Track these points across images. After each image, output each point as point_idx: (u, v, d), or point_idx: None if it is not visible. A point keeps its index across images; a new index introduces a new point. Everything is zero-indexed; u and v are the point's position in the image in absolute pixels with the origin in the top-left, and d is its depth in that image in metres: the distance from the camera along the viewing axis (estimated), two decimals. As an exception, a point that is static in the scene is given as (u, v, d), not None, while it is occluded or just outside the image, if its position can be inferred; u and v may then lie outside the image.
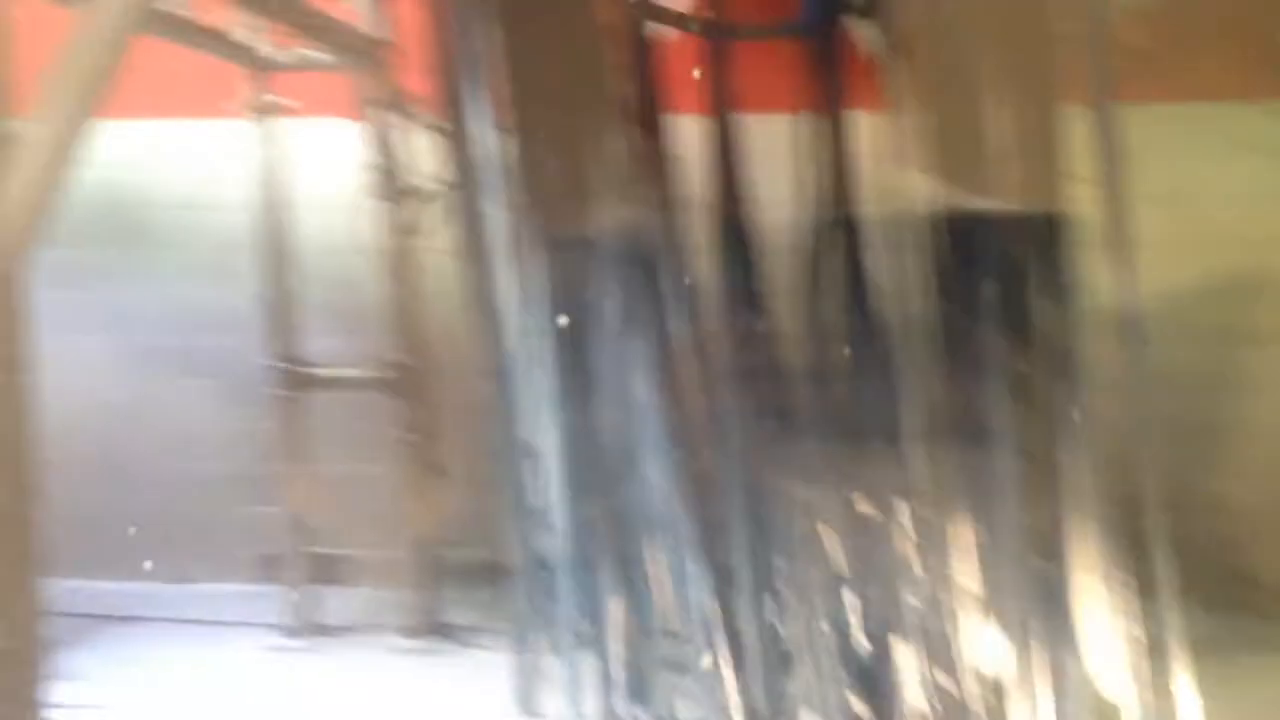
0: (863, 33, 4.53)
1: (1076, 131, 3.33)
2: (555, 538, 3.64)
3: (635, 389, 3.58)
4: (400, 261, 4.77)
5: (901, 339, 3.88)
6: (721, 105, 4.46)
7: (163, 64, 4.80)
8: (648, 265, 3.65)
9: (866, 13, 4.43)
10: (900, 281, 4.00)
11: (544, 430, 3.63)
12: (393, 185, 4.66)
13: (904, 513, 3.75)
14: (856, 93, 4.38)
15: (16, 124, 1.85)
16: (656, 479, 3.66)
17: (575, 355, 3.50)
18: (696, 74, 4.27)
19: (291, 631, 5.01)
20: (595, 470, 3.62)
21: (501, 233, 3.60)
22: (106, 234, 5.35)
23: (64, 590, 5.23)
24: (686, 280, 3.92)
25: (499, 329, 3.69)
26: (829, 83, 4.34)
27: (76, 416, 5.41)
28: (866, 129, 4.36)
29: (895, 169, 4.25)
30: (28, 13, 1.98)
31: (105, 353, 5.41)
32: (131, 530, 5.46)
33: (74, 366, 5.38)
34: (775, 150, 4.48)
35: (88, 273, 5.31)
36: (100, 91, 1.88)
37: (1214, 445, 5.00)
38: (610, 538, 3.58)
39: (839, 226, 4.41)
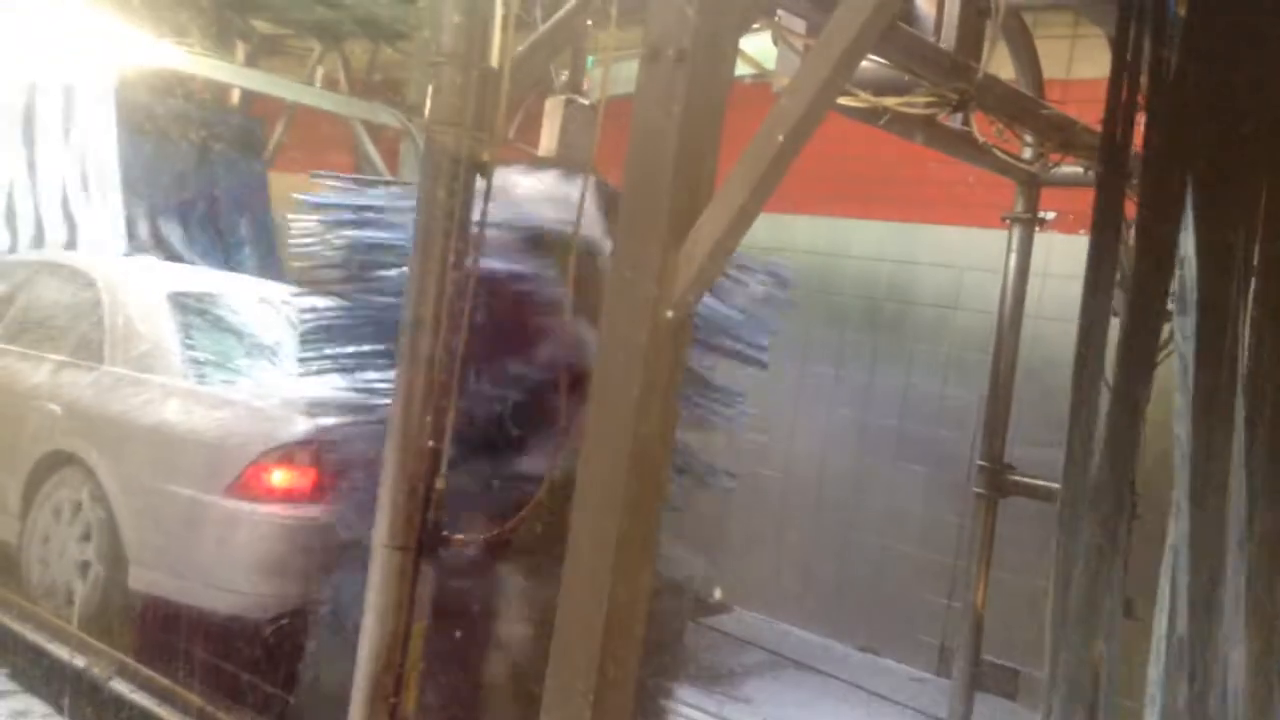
0: None
1: None
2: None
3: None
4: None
5: None
6: None
7: (935, 174, 5.28)
8: None
9: None
10: None
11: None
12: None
13: None
14: None
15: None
16: None
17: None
18: None
19: (947, 729, 5.03)
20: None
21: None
22: (868, 321, 5.98)
23: (758, 624, 5.98)
24: None
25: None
26: None
27: (807, 476, 6.12)
28: None
29: None
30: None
31: (842, 425, 6.00)
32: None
33: (816, 432, 6.10)
34: None
35: (845, 353, 5.99)
36: (776, 177, 2.23)
37: None
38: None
39: None
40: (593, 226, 3.80)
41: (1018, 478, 4.93)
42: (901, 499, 5.73)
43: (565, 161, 3.67)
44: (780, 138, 2.20)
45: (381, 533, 2.71)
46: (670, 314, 2.26)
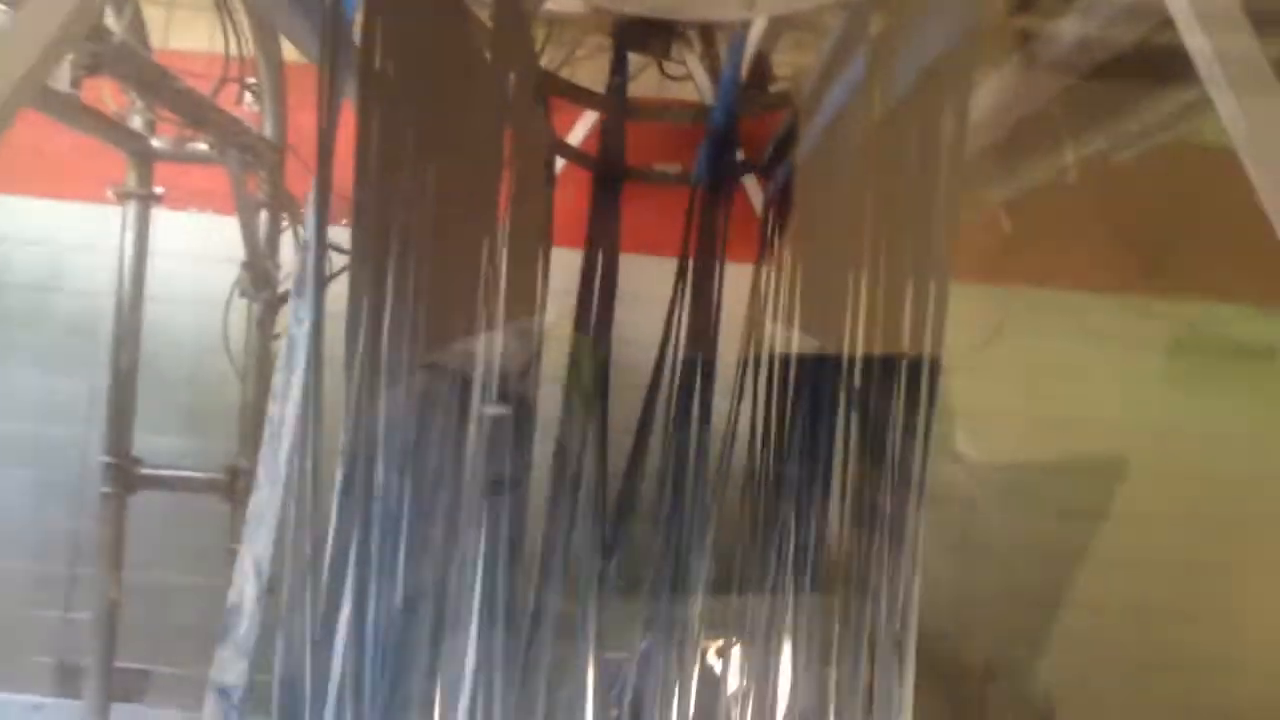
0: (750, 189, 4.78)
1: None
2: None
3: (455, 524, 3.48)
4: (256, 361, 4.62)
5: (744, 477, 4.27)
6: (605, 242, 4.60)
7: (27, 140, 4.66)
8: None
9: (763, 170, 4.68)
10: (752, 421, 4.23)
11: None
12: (259, 284, 4.53)
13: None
14: (735, 244, 4.55)
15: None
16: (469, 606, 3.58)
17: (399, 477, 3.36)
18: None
19: (82, 752, 4.56)
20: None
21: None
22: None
23: None
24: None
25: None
26: (712, 231, 4.49)
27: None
28: (740, 278, 4.55)
29: (760, 316, 4.45)
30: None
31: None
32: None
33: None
34: (649, 290, 4.62)
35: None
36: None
37: (1033, 613, 5.19)
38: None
39: (695, 367, 4.53)
40: None
41: (148, 471, 4.65)
42: (6, 510, 4.99)
43: None
44: None
45: None
46: None
